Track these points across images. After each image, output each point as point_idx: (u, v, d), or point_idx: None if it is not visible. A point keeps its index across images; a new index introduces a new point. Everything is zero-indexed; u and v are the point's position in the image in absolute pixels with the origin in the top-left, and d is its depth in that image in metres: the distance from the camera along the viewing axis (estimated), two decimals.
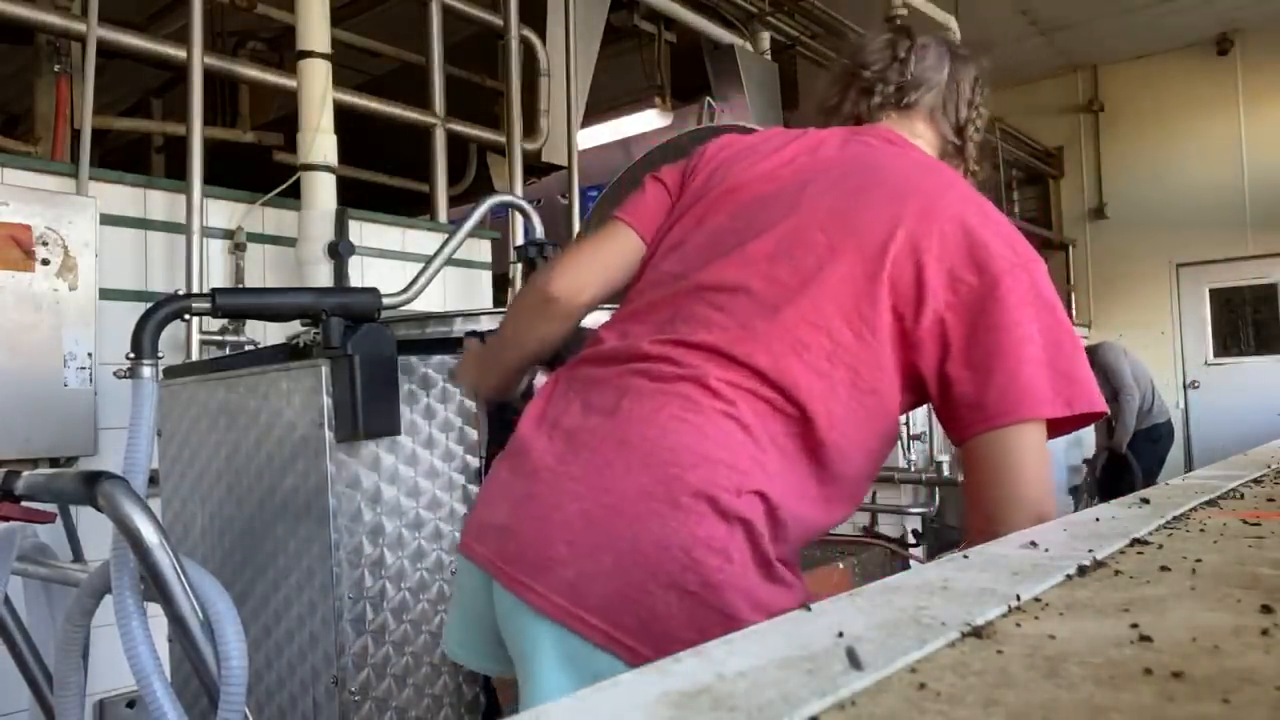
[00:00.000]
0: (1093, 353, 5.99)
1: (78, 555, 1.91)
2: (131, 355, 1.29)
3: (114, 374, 2.31)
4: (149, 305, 1.34)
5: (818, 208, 1.09)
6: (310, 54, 2.70)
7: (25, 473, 1.34)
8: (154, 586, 1.11)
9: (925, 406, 1.13)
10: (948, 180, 1.15)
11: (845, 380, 1.03)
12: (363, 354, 1.32)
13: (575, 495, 0.99)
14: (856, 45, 1.32)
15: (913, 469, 4.08)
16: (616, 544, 0.95)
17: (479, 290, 3.48)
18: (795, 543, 1.04)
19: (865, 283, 1.03)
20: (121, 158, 4.80)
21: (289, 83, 3.05)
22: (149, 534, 1.09)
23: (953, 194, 1.10)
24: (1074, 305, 8.52)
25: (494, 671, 1.12)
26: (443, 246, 1.74)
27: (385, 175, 4.40)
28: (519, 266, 1.65)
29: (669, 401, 1.01)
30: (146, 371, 1.29)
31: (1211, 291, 7.93)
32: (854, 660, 0.46)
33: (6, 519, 1.33)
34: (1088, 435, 6.40)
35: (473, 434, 1.48)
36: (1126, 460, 5.78)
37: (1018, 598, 0.58)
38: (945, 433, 1.08)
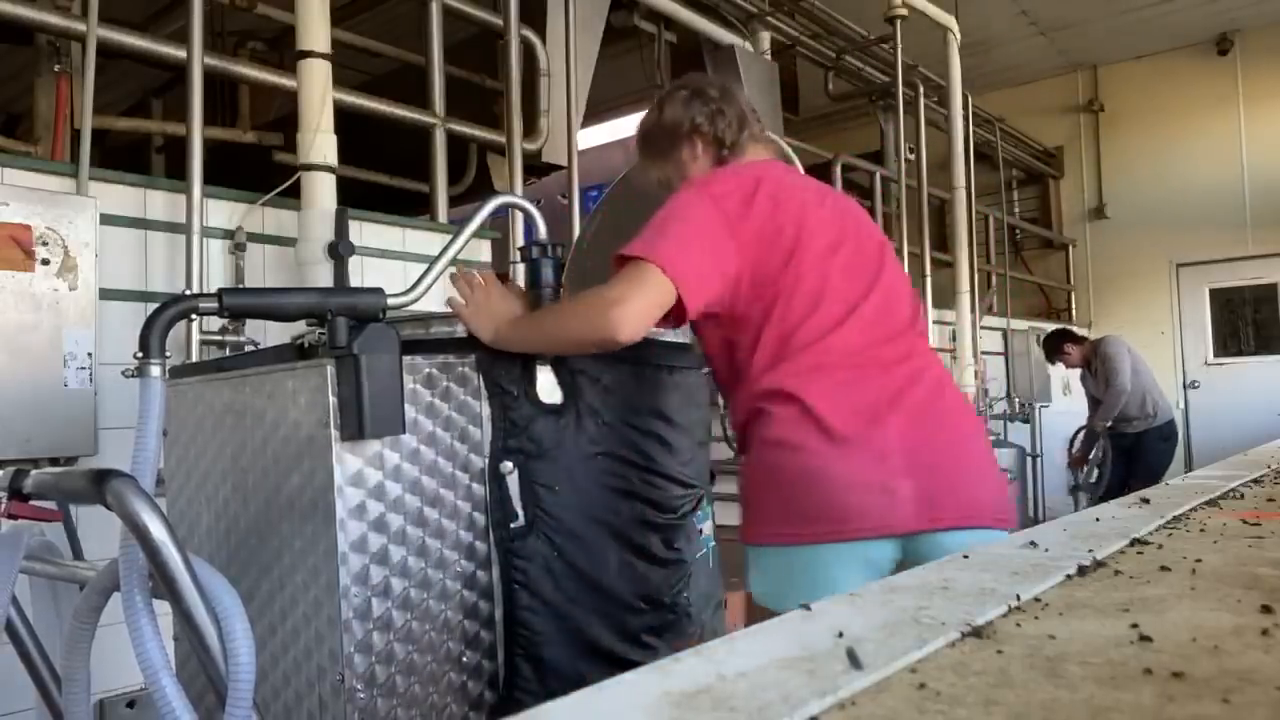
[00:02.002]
0: (1097, 344, 6.02)
1: (77, 553, 1.91)
2: (139, 354, 1.29)
3: (122, 373, 2.31)
4: (150, 305, 1.35)
5: (859, 222, 1.70)
6: (310, 54, 2.70)
7: (33, 471, 1.34)
8: (162, 584, 1.11)
9: None
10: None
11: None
12: (368, 354, 1.33)
13: (965, 443, 1.59)
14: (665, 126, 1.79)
15: None
16: (988, 465, 1.63)
17: None
18: None
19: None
20: (121, 158, 4.79)
21: (289, 83, 3.05)
22: (158, 532, 1.09)
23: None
24: (1074, 305, 8.53)
25: None
26: (447, 247, 1.74)
27: (385, 175, 4.40)
28: (520, 267, 1.65)
29: (933, 373, 1.61)
30: (154, 370, 1.29)
31: (1211, 291, 7.93)
32: (854, 660, 0.46)
33: (15, 517, 1.33)
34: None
35: (476, 432, 1.48)
36: (1133, 455, 5.82)
37: (1018, 598, 0.59)
38: None
